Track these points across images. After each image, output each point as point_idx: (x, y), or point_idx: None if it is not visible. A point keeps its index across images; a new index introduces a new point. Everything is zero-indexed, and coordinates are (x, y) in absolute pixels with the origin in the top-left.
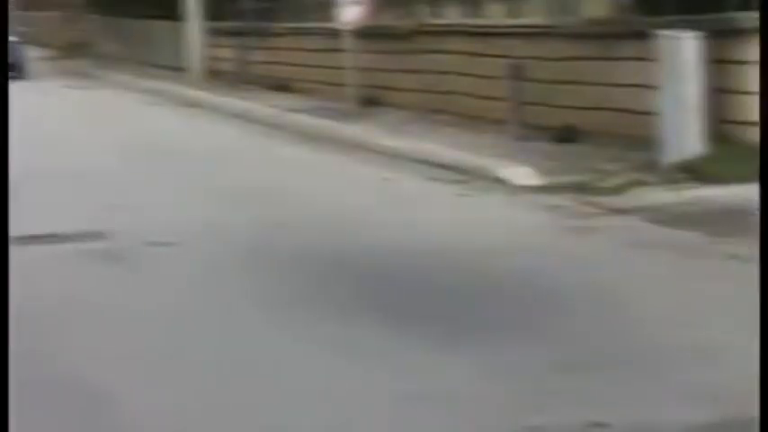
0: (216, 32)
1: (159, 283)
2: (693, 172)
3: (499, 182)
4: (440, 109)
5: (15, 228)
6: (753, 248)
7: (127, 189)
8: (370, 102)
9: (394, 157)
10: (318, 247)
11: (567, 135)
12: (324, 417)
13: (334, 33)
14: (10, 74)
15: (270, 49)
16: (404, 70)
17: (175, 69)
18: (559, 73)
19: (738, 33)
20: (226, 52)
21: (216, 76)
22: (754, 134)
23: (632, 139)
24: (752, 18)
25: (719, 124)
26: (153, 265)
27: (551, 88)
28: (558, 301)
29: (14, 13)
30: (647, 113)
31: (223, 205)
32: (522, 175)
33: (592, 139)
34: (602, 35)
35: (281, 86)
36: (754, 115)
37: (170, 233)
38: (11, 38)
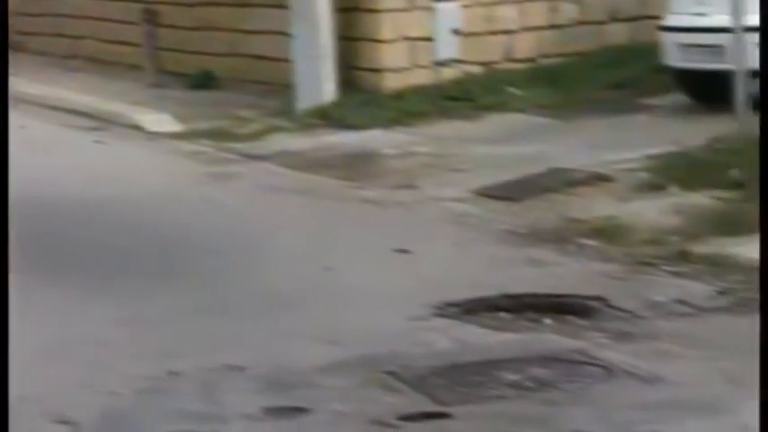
0: None
1: None
2: (326, 118)
3: (137, 129)
4: (74, 54)
5: None
6: (384, 192)
7: None
8: None
9: (28, 103)
10: None
11: (204, 81)
12: None
13: None
14: None
15: None
16: (36, 14)
17: None
18: (195, 18)
19: None
20: None
21: None
22: (381, 80)
23: (269, 86)
24: None
25: (350, 71)
26: None
27: (187, 34)
28: (198, 248)
29: None
30: (283, 60)
31: None
32: (159, 121)
33: (229, 85)
34: None
35: None
36: (382, 62)
37: None
38: None
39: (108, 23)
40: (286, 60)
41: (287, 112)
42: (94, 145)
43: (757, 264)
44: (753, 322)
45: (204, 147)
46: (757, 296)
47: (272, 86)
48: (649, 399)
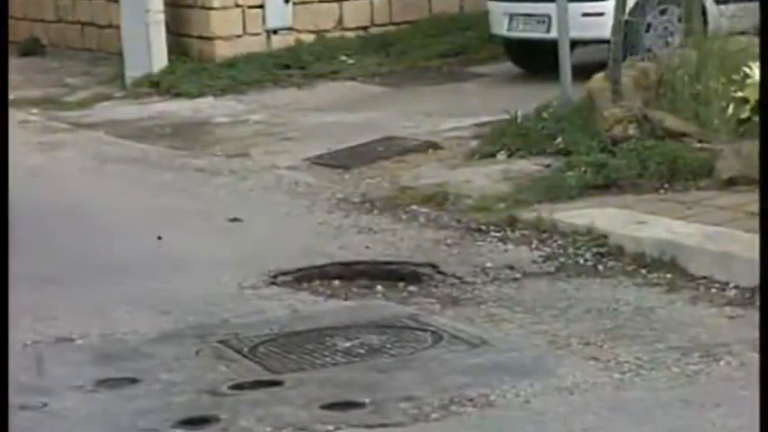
0: None
1: None
2: (157, 86)
3: None
4: None
5: None
6: (216, 161)
7: None
8: None
9: None
10: None
11: (32, 48)
12: None
13: None
14: None
15: None
16: None
17: None
18: None
19: None
20: None
21: None
22: (212, 48)
23: (99, 53)
24: None
25: (181, 39)
26: None
27: (14, 0)
28: (28, 219)
29: None
30: (113, 27)
31: None
32: None
33: (58, 52)
34: None
35: None
36: (213, 30)
37: None
38: None
39: None
40: (116, 27)
41: (117, 79)
42: None
43: (579, 229)
44: (574, 287)
45: (33, 115)
46: (580, 260)
47: (102, 54)
48: (476, 362)
